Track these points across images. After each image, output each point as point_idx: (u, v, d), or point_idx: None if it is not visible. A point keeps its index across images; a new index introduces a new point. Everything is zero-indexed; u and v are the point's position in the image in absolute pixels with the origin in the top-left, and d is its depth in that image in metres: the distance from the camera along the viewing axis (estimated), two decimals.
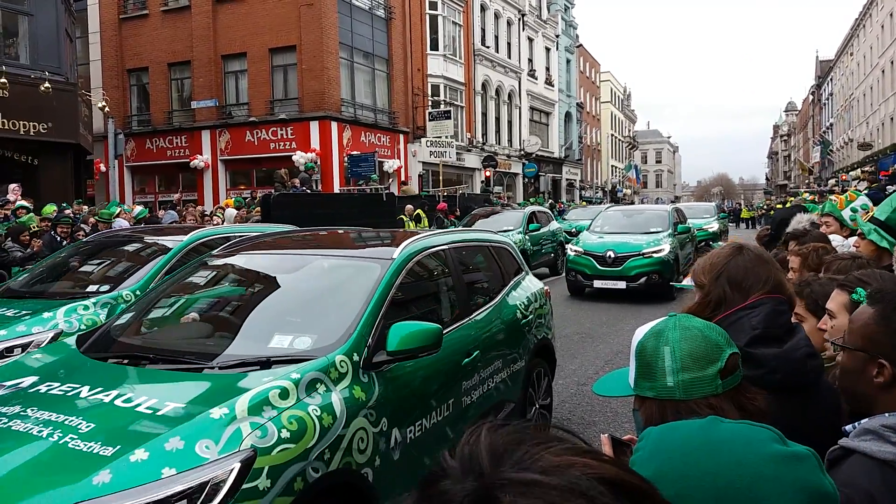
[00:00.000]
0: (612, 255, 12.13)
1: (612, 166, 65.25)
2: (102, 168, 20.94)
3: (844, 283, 2.04)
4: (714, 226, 22.35)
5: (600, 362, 7.86)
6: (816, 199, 19.87)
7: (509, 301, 4.93)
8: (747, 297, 1.86)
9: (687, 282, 6.60)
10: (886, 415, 1.44)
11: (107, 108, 17.98)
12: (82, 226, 10.97)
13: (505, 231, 13.38)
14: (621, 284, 12.01)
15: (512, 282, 5.18)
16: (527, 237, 14.88)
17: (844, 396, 1.66)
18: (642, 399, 1.48)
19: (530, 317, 5.11)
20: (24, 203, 11.67)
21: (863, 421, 1.49)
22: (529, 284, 5.48)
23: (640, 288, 11.97)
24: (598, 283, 12.23)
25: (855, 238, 4.17)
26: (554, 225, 17.21)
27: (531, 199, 30.15)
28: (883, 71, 38.09)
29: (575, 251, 12.79)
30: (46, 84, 14.62)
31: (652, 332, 1.49)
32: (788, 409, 1.65)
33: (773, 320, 1.81)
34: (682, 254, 13.24)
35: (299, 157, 20.88)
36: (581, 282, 12.53)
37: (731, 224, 51.96)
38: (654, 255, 12.04)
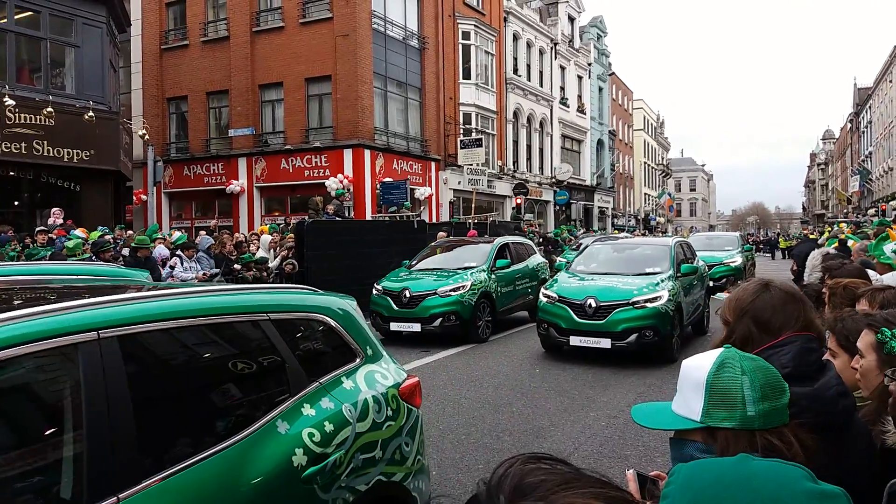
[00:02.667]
0: (594, 305, 9.27)
1: (645, 194, 64.80)
2: (143, 197, 21.45)
3: (872, 322, 2.02)
4: (737, 260, 19.42)
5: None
6: (853, 230, 19.47)
7: (283, 430, 2.70)
8: (775, 336, 1.84)
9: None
10: None
11: (147, 136, 18.54)
12: (123, 251, 11.22)
13: (466, 268, 11.75)
14: (605, 343, 9.14)
15: (308, 390, 2.92)
16: (492, 276, 12.01)
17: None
18: (712, 431, 1.47)
19: (334, 455, 2.85)
20: (80, 234, 12.02)
21: None
22: (360, 384, 3.22)
23: (630, 348, 9.11)
24: (575, 340, 9.34)
25: (891, 274, 4.10)
26: (535, 260, 14.25)
27: (562, 227, 30.04)
28: None
29: (547, 297, 9.92)
30: (91, 113, 15.15)
31: (717, 363, 1.49)
32: (821, 449, 1.63)
33: (804, 358, 1.79)
34: (688, 301, 10.42)
35: (332, 183, 21.17)
36: (554, 338, 9.64)
37: (767, 255, 51.17)
38: (648, 306, 9.16)
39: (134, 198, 22.77)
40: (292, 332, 3.15)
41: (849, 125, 70.01)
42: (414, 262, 12.68)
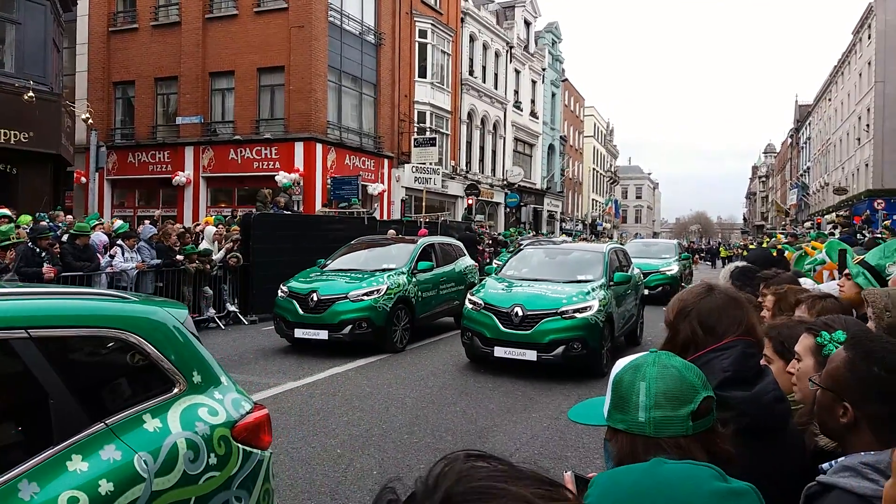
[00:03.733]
0: (520, 313, 8.68)
1: (593, 200, 65.87)
2: (83, 180, 20.74)
3: (811, 326, 2.09)
4: (673, 268, 18.92)
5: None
6: (791, 242, 20.14)
7: (28, 496, 2.02)
8: (718, 339, 1.88)
9: None
10: (862, 453, 1.51)
11: (90, 120, 17.89)
12: (62, 238, 10.83)
13: (384, 270, 10.87)
14: (530, 355, 8.56)
15: (83, 436, 2.23)
16: (413, 279, 11.03)
17: (820, 429, 1.72)
18: (614, 431, 1.49)
19: None
20: (6, 212, 11.51)
21: (840, 459, 1.56)
22: (171, 424, 2.50)
23: (556, 361, 8.53)
24: (499, 351, 8.71)
25: (837, 280, 4.25)
26: (463, 263, 13.28)
27: (511, 230, 30.29)
28: (859, 118, 39.05)
29: (473, 304, 9.28)
30: (30, 93, 14.53)
31: (631, 365, 1.50)
32: (757, 452, 1.68)
33: (744, 363, 1.83)
34: (620, 311, 9.89)
35: (282, 177, 20.84)
36: (478, 347, 8.98)
37: (707, 263, 52.62)
38: (578, 316, 8.58)
39: (74, 178, 21.93)
40: (68, 355, 2.42)
41: (789, 140, 72.57)
42: (328, 262, 11.69)
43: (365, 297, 10.06)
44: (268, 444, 2.93)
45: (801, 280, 4.37)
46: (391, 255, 11.71)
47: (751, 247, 38.15)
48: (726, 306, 1.94)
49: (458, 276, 12.81)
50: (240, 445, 2.71)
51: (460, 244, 14.31)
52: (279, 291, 10.70)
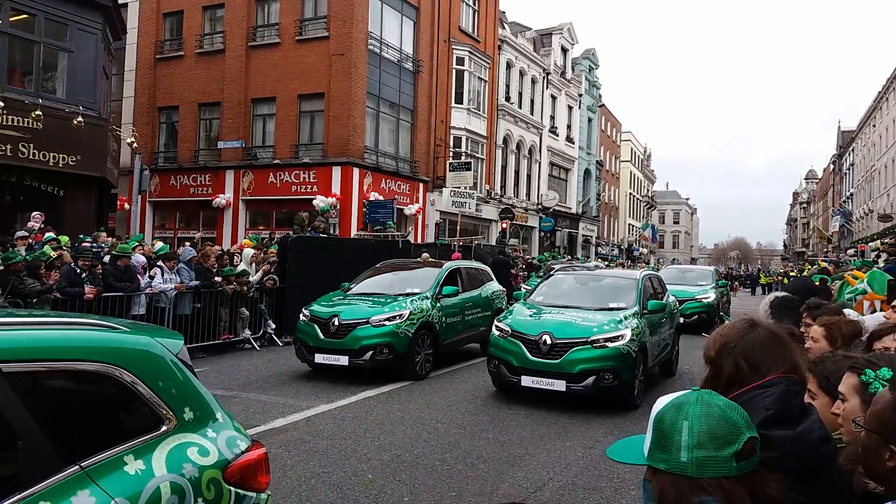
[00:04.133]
0: (549, 342, 8.36)
1: (630, 225, 65.29)
2: (126, 206, 21.29)
3: (855, 364, 2.02)
4: (710, 296, 18.11)
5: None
6: (832, 269, 19.59)
7: None
8: (762, 376, 1.83)
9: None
10: None
11: (135, 144, 18.41)
12: (103, 259, 11.10)
13: (407, 294, 10.56)
14: (559, 385, 8.23)
15: (54, 480, 2.06)
16: (437, 304, 10.71)
17: (865, 473, 1.66)
18: (655, 471, 1.46)
19: None
20: (52, 234, 11.87)
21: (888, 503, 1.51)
22: (156, 466, 2.31)
23: (586, 392, 8.20)
24: (526, 381, 8.41)
25: (882, 312, 4.13)
26: (490, 288, 12.93)
27: (546, 254, 30.13)
28: None
29: (500, 331, 8.94)
30: (80, 118, 15.02)
31: (673, 403, 1.48)
32: (801, 493, 1.62)
33: (787, 401, 1.78)
34: (654, 340, 9.46)
35: (319, 201, 21.14)
36: (505, 376, 8.68)
37: (748, 290, 51.51)
38: (609, 345, 8.25)
39: (118, 205, 22.56)
40: (44, 391, 2.25)
41: (832, 166, 71.16)
42: (352, 285, 11.47)
43: (387, 323, 9.78)
44: (265, 486, 2.72)
45: (846, 311, 4.24)
46: (416, 280, 11.38)
47: (791, 274, 37.33)
48: (770, 342, 1.89)
49: (485, 302, 12.47)
50: (232, 488, 2.49)
51: (487, 269, 13.94)
52: (301, 315, 10.50)
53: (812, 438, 1.72)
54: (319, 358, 9.84)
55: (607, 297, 9.67)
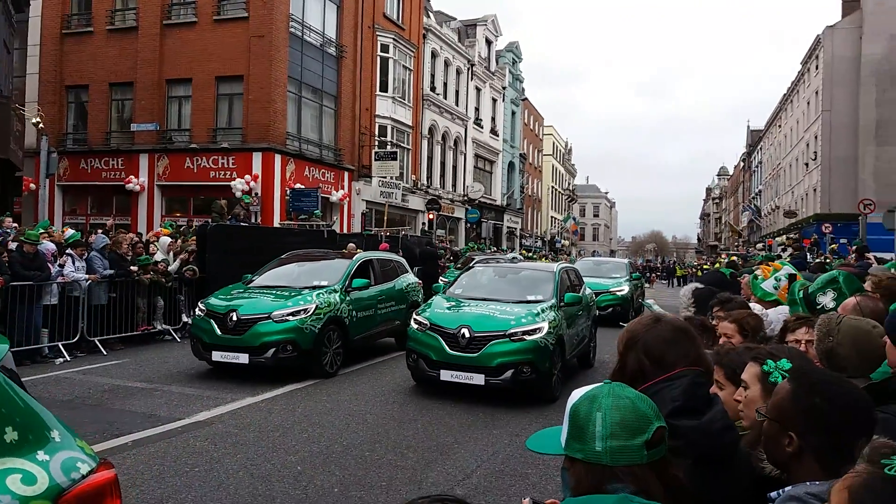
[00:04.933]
0: (468, 335, 8.24)
1: (552, 217, 66.65)
2: (32, 186, 20.13)
3: (757, 355, 2.16)
4: (624, 289, 18.17)
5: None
6: (741, 263, 20.60)
7: None
8: (668, 369, 1.93)
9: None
10: (808, 483, 1.57)
11: (41, 124, 17.43)
12: (9, 245, 10.47)
13: (314, 287, 9.99)
14: (478, 379, 8.13)
15: None
16: (346, 297, 10.20)
17: (767, 458, 1.78)
18: (572, 460, 1.53)
19: None
20: None
21: (787, 488, 1.61)
22: None
23: (505, 385, 8.15)
24: (445, 375, 8.27)
25: (775, 309, 4.38)
26: (405, 280, 12.51)
27: (471, 244, 30.43)
28: (808, 144, 40.42)
29: (418, 324, 8.80)
30: None
31: (587, 396, 1.55)
32: (706, 480, 1.74)
33: (693, 392, 1.89)
34: (571, 333, 9.42)
35: (238, 183, 20.67)
36: (424, 370, 8.52)
37: (664, 282, 53.57)
38: (527, 338, 8.22)
39: (23, 187, 21.29)
40: None
41: (742, 164, 74.68)
42: (255, 277, 10.87)
43: (290, 318, 9.19)
44: None
45: (751, 305, 4.48)
46: (323, 272, 10.75)
47: (705, 267, 39.06)
48: (675, 337, 2.00)
49: (400, 295, 12.00)
50: None
51: (402, 261, 13.49)
52: (196, 309, 9.82)
53: (716, 427, 1.84)
54: (217, 356, 9.20)
55: (525, 290, 9.64)
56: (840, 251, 19.66)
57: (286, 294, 9.80)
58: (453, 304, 9.23)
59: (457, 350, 8.26)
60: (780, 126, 51.65)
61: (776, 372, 1.99)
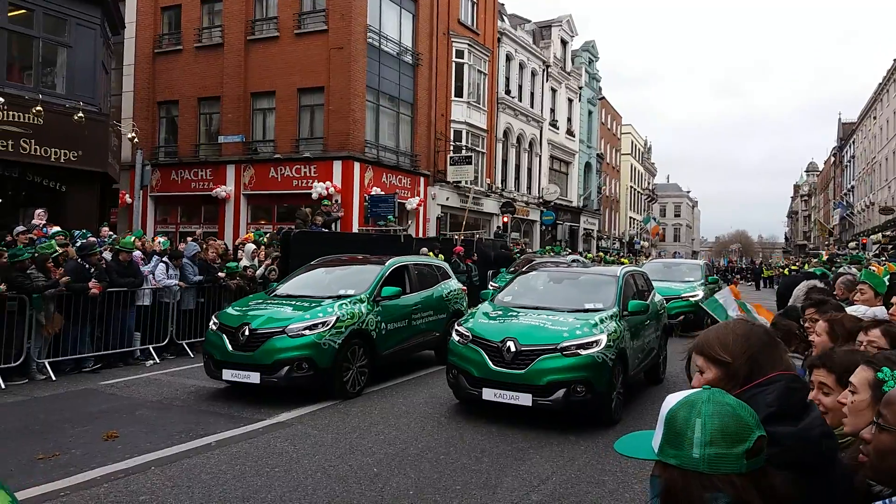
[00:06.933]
0: (513, 349, 7.30)
1: (631, 218, 65.27)
2: (128, 199, 21.31)
3: (871, 360, 2.03)
4: (698, 294, 16.09)
5: None
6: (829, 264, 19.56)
7: None
8: (761, 375, 1.86)
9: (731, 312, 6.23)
10: None
11: (136, 139, 18.40)
12: (103, 254, 11.11)
13: (340, 297, 9.07)
14: (524, 399, 7.16)
15: None
16: (375, 308, 9.21)
17: (874, 472, 1.68)
18: (664, 466, 1.50)
19: None
20: (58, 229, 11.89)
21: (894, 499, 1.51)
22: None
23: (556, 406, 7.13)
24: (488, 393, 7.34)
25: (876, 309, 4.15)
26: (447, 287, 11.42)
27: (547, 247, 30.15)
28: None
29: (460, 336, 7.89)
30: (80, 114, 15.02)
31: (685, 401, 1.52)
32: (803, 489, 1.65)
33: (789, 398, 1.81)
34: (636, 346, 8.42)
35: (319, 187, 21.33)
36: (465, 388, 7.60)
37: (750, 284, 51.36)
38: (581, 353, 7.21)
39: (120, 200, 22.58)
40: None
41: (832, 159, 71.09)
42: (280, 285, 10.12)
43: (307, 332, 8.24)
44: None
45: (856, 307, 4.27)
46: (352, 279, 9.78)
47: (793, 267, 37.33)
48: (770, 342, 1.93)
49: (439, 303, 10.94)
50: None
51: (444, 265, 12.51)
52: (211, 323, 9.04)
53: (814, 434, 1.75)
54: (227, 374, 8.36)
55: (584, 297, 8.63)
56: None
57: (307, 305, 8.86)
58: (500, 313, 8.29)
59: (501, 366, 7.31)
60: (874, 118, 48.85)
61: (892, 381, 1.87)
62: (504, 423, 7.39)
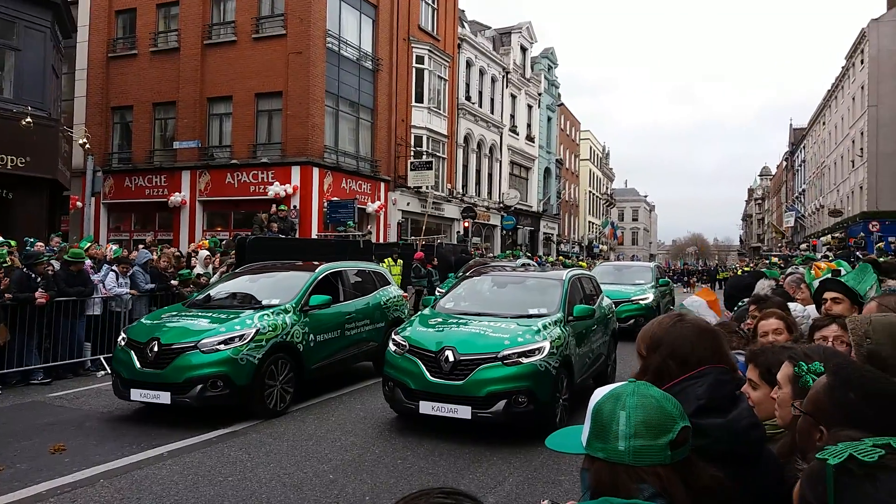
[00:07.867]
0: (452, 358, 6.89)
1: (590, 222, 66.07)
2: (79, 205, 20.79)
3: (793, 355, 2.10)
4: (648, 297, 15.90)
5: None
6: (782, 264, 20.13)
7: None
8: (691, 369, 1.89)
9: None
10: None
11: (87, 145, 17.97)
12: (52, 262, 10.82)
13: (264, 307, 8.46)
14: (463, 412, 6.77)
15: None
16: (303, 318, 8.57)
17: (801, 456, 1.74)
18: (593, 459, 1.51)
19: None
20: (1, 239, 11.51)
21: None
22: None
23: (496, 419, 6.76)
24: (425, 407, 6.91)
25: (810, 307, 4.28)
26: (385, 294, 10.74)
27: (507, 252, 30.34)
28: (853, 141, 39.34)
29: (396, 345, 7.44)
30: (28, 119, 14.61)
31: (611, 394, 1.52)
32: (732, 479, 1.68)
33: (718, 390, 1.84)
34: (581, 353, 8.09)
35: (275, 188, 21.15)
36: (401, 400, 7.17)
37: (706, 284, 52.40)
38: (523, 361, 6.83)
39: (70, 206, 22.00)
40: None
41: (784, 163, 73.04)
42: (200, 295, 9.48)
43: (222, 347, 7.54)
44: None
45: (790, 304, 4.39)
46: (280, 287, 9.10)
47: (746, 269, 38.25)
48: (697, 336, 1.95)
49: (376, 312, 10.29)
50: None
51: (383, 271, 11.89)
52: (119, 338, 8.33)
53: (742, 426, 1.78)
54: (136, 394, 7.58)
55: (527, 303, 8.27)
56: (886, 249, 19.07)
57: (223, 317, 8.14)
58: (440, 320, 7.84)
59: (439, 377, 6.87)
60: (824, 123, 50.39)
61: (807, 375, 1.93)
62: (462, 426, 7.37)
